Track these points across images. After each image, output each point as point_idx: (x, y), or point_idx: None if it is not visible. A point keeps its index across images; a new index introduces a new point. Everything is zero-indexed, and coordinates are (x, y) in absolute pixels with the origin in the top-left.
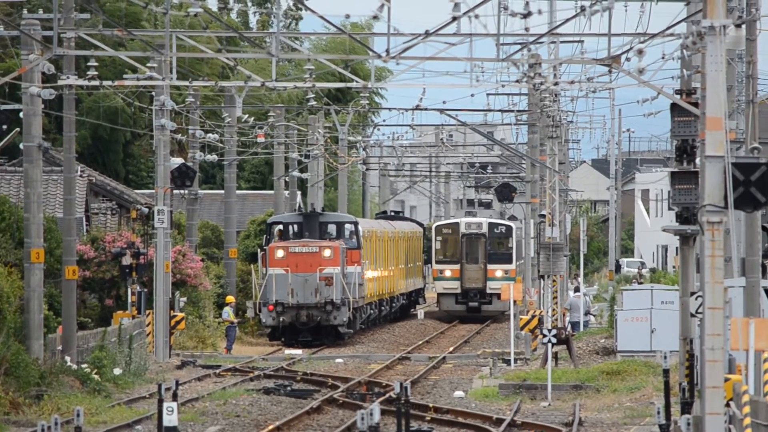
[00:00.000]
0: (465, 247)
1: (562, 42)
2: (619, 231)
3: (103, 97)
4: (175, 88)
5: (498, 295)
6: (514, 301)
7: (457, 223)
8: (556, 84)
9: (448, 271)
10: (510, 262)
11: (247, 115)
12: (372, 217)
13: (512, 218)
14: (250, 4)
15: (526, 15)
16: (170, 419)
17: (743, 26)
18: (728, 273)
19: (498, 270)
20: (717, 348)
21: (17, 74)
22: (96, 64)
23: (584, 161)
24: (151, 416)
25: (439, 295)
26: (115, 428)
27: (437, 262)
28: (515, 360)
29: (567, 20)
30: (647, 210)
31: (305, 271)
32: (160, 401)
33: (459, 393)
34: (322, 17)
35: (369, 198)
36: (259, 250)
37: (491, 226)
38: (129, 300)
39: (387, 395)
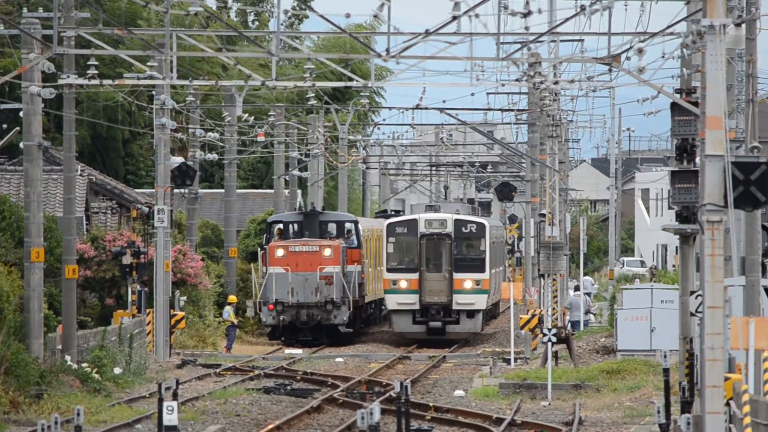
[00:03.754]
0: (425, 250)
1: (562, 41)
2: (619, 230)
3: (102, 95)
4: (175, 86)
5: (467, 312)
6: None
7: (414, 221)
8: (556, 83)
9: (404, 281)
10: (482, 270)
11: (247, 114)
12: (372, 216)
13: (512, 217)
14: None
15: (526, 14)
16: (170, 418)
17: (743, 25)
18: (728, 272)
19: (467, 280)
20: (717, 347)
21: (17, 73)
22: (96, 63)
23: (584, 160)
24: (151, 415)
25: (392, 312)
26: (115, 427)
27: (389, 270)
28: (515, 359)
29: (567, 19)
30: (647, 209)
31: (305, 270)
32: (161, 400)
33: (459, 392)
34: (322, 16)
35: (369, 197)
36: (259, 249)
37: (458, 224)
38: (129, 299)
39: (387, 394)
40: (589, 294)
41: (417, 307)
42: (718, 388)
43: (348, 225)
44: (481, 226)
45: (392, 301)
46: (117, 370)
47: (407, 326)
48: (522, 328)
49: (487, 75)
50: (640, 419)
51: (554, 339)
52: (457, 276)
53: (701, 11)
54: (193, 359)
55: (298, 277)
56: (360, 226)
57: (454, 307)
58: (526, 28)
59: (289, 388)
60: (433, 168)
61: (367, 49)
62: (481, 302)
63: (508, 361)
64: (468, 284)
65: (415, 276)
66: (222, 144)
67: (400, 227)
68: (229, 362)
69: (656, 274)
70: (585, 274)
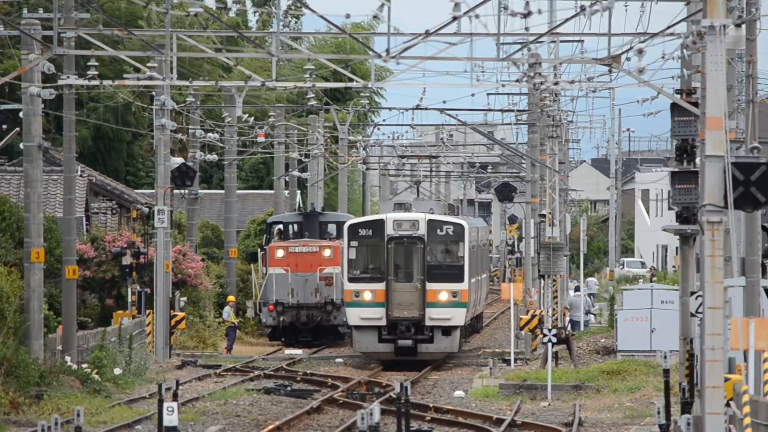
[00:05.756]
0: (392, 256)
1: (562, 42)
2: (619, 231)
3: (106, 98)
4: (175, 87)
5: (442, 329)
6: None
7: (380, 221)
8: (556, 84)
9: (368, 292)
10: (460, 279)
11: (247, 115)
12: None
13: (512, 218)
14: (249, 4)
15: (526, 15)
16: (170, 419)
17: (743, 26)
18: (728, 273)
19: (442, 291)
20: (717, 348)
21: (17, 74)
22: (96, 63)
23: (584, 161)
24: (151, 416)
25: (354, 328)
26: (115, 428)
27: (351, 280)
28: (515, 360)
29: (567, 20)
30: (647, 210)
31: (305, 271)
32: (161, 401)
33: (459, 393)
34: (322, 17)
35: (369, 198)
36: (259, 249)
37: (432, 225)
38: (129, 300)
39: (387, 395)
40: (591, 295)
41: (383, 322)
42: (718, 389)
43: None
44: (458, 228)
45: (354, 316)
46: (117, 371)
47: (372, 345)
48: (522, 328)
49: (487, 75)
50: (640, 420)
51: (554, 340)
52: (430, 286)
53: (701, 12)
54: (193, 360)
55: (298, 278)
56: None
57: (427, 322)
58: (526, 28)
59: (289, 388)
60: (434, 167)
61: (367, 50)
62: (458, 317)
63: (508, 362)
64: (443, 296)
65: (381, 286)
66: (222, 145)
67: (363, 229)
68: (230, 363)
69: (656, 275)
70: (586, 275)
